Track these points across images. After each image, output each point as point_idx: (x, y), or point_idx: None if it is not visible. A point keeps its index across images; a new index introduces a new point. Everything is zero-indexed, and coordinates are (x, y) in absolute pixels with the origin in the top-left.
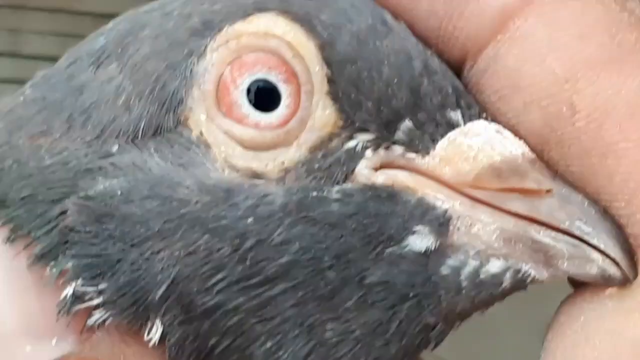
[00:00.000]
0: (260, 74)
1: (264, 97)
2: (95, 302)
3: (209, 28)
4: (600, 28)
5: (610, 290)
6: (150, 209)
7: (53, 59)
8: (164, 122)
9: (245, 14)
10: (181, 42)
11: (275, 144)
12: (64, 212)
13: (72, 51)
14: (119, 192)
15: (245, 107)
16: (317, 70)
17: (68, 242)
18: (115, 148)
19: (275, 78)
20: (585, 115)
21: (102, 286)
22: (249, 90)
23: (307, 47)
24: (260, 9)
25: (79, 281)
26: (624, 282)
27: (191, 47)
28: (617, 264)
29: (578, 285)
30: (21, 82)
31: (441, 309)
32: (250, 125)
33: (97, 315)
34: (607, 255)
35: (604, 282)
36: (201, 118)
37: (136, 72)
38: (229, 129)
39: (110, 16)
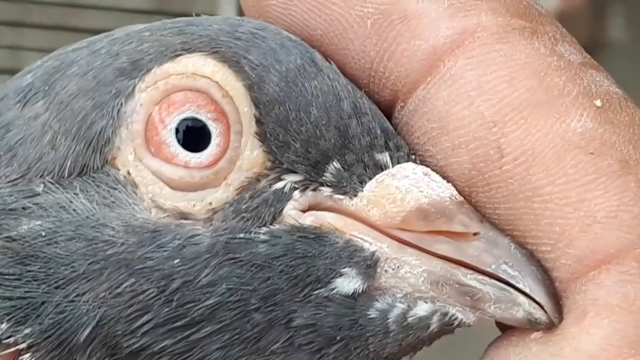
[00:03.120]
0: (189, 112)
1: (193, 136)
2: (21, 346)
3: (136, 68)
4: (529, 71)
5: (535, 334)
6: (75, 250)
7: None
8: (90, 162)
9: (174, 54)
10: (109, 81)
11: (204, 184)
12: None
13: (1, 88)
14: (43, 233)
15: (174, 147)
16: (246, 110)
17: None
18: (40, 188)
19: (205, 117)
20: (513, 158)
21: (27, 330)
22: (177, 130)
23: (236, 87)
24: (189, 49)
25: (4, 325)
26: (549, 326)
27: (119, 87)
28: (542, 308)
29: (505, 329)
30: None
31: (369, 353)
32: (179, 165)
33: None
34: (533, 299)
35: (530, 325)
36: (129, 158)
37: (63, 110)
38: (157, 169)
39: (107, 32)
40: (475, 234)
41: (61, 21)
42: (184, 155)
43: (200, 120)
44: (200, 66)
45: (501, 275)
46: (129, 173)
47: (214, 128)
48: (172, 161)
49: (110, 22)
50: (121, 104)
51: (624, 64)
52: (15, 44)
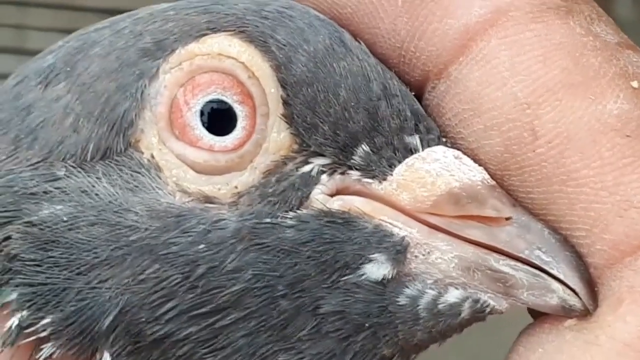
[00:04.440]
0: (215, 94)
1: (219, 119)
2: (42, 334)
3: (161, 49)
4: (564, 52)
5: (569, 322)
6: (97, 235)
7: None
8: (113, 145)
9: (199, 34)
10: (132, 62)
11: (229, 168)
12: (7, 239)
13: (20, 69)
14: (65, 218)
15: (199, 130)
16: (273, 91)
17: (11, 270)
18: (62, 172)
19: (231, 99)
20: (547, 141)
21: (48, 318)
22: (202, 113)
23: (263, 68)
24: (214, 28)
25: (24, 312)
26: (584, 314)
27: (142, 68)
28: (577, 294)
29: (537, 315)
30: None
31: (398, 340)
32: (203, 148)
33: (46, 350)
34: (567, 286)
35: (564, 313)
36: (152, 141)
37: (85, 92)
38: (181, 153)
39: (112, 12)
40: (507, 218)
41: (65, 0)
42: (208, 138)
43: (226, 103)
44: (226, 46)
45: (534, 261)
46: (152, 156)
47: (239, 110)
48: (196, 144)
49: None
50: (145, 85)
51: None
52: (20, 23)
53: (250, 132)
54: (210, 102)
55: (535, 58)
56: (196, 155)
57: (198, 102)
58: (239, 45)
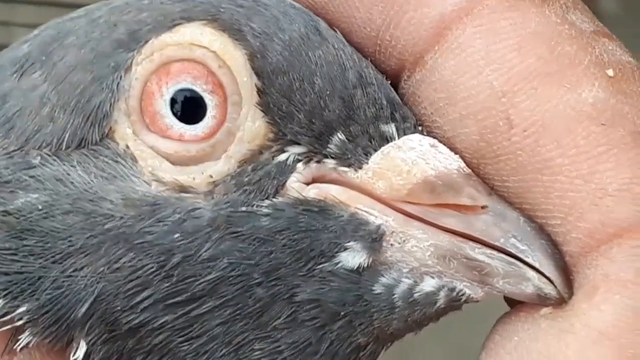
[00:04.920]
0: (185, 83)
1: (190, 109)
2: (18, 323)
3: (134, 40)
4: (539, 40)
5: (544, 310)
6: (72, 224)
7: None
8: (88, 135)
9: (172, 23)
10: (107, 54)
11: (202, 157)
12: None
13: None
14: (40, 207)
15: (169, 118)
16: (245, 80)
17: None
18: (37, 160)
19: (200, 88)
20: (522, 129)
21: (24, 306)
22: (174, 101)
23: (235, 57)
24: (188, 17)
25: (0, 301)
26: (559, 302)
27: (117, 60)
28: (552, 282)
29: (514, 304)
30: None
31: (373, 329)
32: (174, 138)
33: (23, 339)
34: (543, 274)
35: (539, 301)
36: (127, 132)
37: (61, 82)
38: (154, 144)
39: None
40: (483, 207)
41: None
42: (178, 127)
43: (196, 92)
44: (198, 35)
45: (510, 250)
46: (127, 147)
47: (209, 100)
48: (166, 133)
49: None
50: (120, 77)
51: (617, 36)
52: (7, 20)
53: (221, 120)
54: (181, 91)
55: (511, 46)
56: (167, 146)
57: (168, 91)
58: (210, 34)
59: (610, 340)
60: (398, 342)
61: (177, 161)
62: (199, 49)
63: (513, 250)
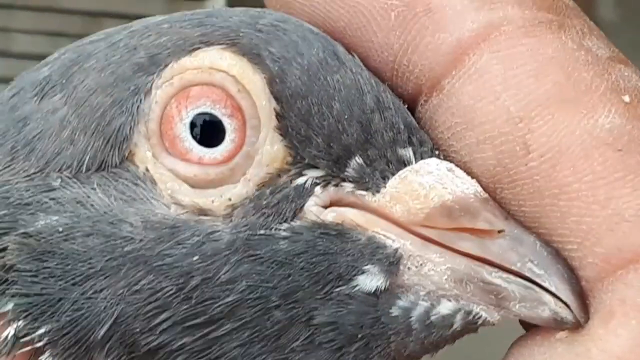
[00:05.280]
0: (204, 107)
1: (209, 132)
2: (38, 344)
3: (154, 64)
4: (556, 66)
5: (560, 334)
6: (92, 246)
7: (42, 58)
8: (108, 158)
9: (192, 48)
10: (127, 77)
11: (220, 180)
12: (3, 250)
13: (17, 81)
14: (60, 229)
15: (188, 142)
16: (264, 104)
17: (8, 280)
18: (57, 182)
19: (220, 112)
20: (539, 155)
21: (44, 328)
22: (194, 125)
23: (254, 81)
24: (207, 42)
25: (20, 322)
26: (576, 327)
27: (137, 83)
28: (568, 307)
29: (529, 327)
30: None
31: (390, 351)
32: (193, 162)
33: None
34: (559, 299)
35: (555, 325)
36: (147, 155)
37: (81, 105)
38: (173, 167)
39: (98, 14)
40: (500, 231)
41: (51, 3)
42: (198, 150)
43: (215, 116)
44: (217, 60)
45: (526, 274)
46: (147, 169)
47: (228, 124)
48: (186, 157)
49: (100, 3)
50: (140, 100)
51: (614, 44)
52: (6, 25)
53: (240, 144)
54: (200, 114)
55: (528, 72)
56: (187, 169)
57: (188, 115)
58: (230, 59)
59: None
60: None
61: (196, 184)
62: (218, 73)
63: (529, 275)
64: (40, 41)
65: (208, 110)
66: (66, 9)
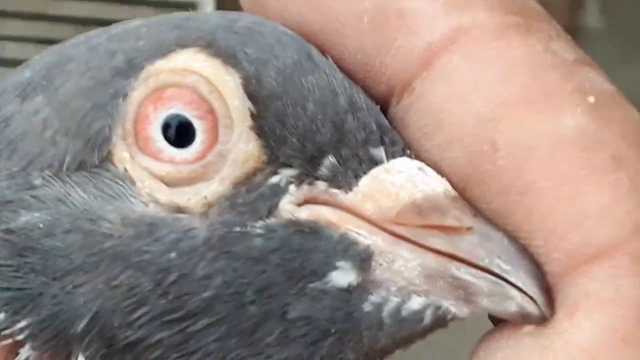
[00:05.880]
0: (175, 109)
1: (181, 133)
2: (19, 337)
3: (132, 68)
4: (524, 68)
5: (527, 328)
6: (72, 242)
7: None
8: (89, 158)
9: (167, 50)
10: (106, 82)
11: (194, 178)
12: None
13: (1, 83)
14: (41, 226)
15: (160, 142)
16: (237, 104)
17: None
18: (39, 181)
19: (190, 114)
20: (506, 154)
21: (24, 321)
22: (168, 126)
23: (226, 82)
24: (182, 44)
25: (1, 315)
26: (542, 320)
27: (116, 87)
28: (535, 302)
29: (498, 322)
30: None
31: (362, 346)
32: (165, 161)
33: (23, 353)
34: (526, 294)
35: (522, 319)
36: (124, 155)
37: (63, 108)
38: (147, 166)
39: (88, 21)
40: (468, 228)
41: (41, 9)
42: (169, 150)
43: (185, 117)
44: (191, 62)
45: (494, 270)
46: (126, 170)
47: (198, 125)
48: (158, 157)
49: (90, 10)
50: (118, 103)
51: (600, 50)
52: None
53: (210, 145)
54: (172, 116)
55: (496, 74)
56: (160, 168)
57: (159, 117)
58: (203, 60)
59: (590, 357)
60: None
61: (171, 182)
62: (191, 75)
63: (497, 270)
64: (30, 48)
65: (179, 112)
66: (57, 16)
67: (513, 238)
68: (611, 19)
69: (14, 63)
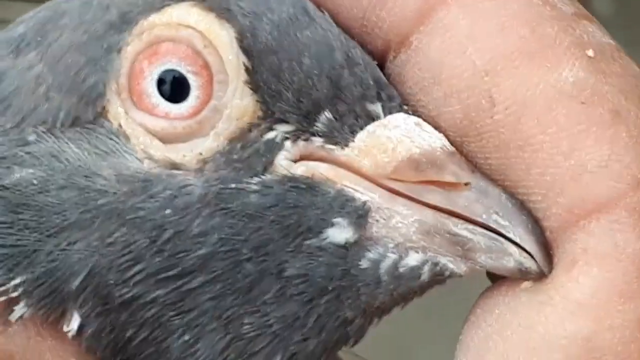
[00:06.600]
0: (170, 64)
1: (177, 88)
2: (14, 294)
3: (125, 22)
4: (521, 21)
5: (525, 284)
6: (66, 199)
7: None
8: (83, 114)
9: (162, 4)
10: (99, 36)
11: (189, 134)
12: None
13: None
14: (35, 182)
15: (155, 97)
16: (231, 59)
17: None
18: (32, 137)
19: (185, 69)
20: (504, 108)
21: (19, 278)
22: (163, 81)
23: (221, 36)
24: None
25: None
26: (540, 276)
27: (109, 41)
28: (533, 257)
29: (496, 279)
30: None
31: (360, 303)
32: (160, 116)
33: (17, 310)
34: (524, 249)
35: (520, 275)
36: (119, 111)
37: (56, 63)
38: (142, 121)
39: None
40: (466, 184)
41: None
42: (164, 105)
43: (181, 72)
44: (185, 16)
45: (492, 225)
46: (120, 125)
47: (193, 81)
48: (153, 112)
49: None
50: (112, 58)
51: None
52: (3, 17)
53: (206, 100)
54: (167, 71)
55: (494, 27)
56: (154, 123)
57: (154, 71)
58: (197, 15)
59: (588, 311)
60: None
61: (166, 138)
62: (185, 29)
63: (495, 226)
64: None
65: (174, 67)
66: None
67: (511, 194)
68: (620, 5)
69: None
